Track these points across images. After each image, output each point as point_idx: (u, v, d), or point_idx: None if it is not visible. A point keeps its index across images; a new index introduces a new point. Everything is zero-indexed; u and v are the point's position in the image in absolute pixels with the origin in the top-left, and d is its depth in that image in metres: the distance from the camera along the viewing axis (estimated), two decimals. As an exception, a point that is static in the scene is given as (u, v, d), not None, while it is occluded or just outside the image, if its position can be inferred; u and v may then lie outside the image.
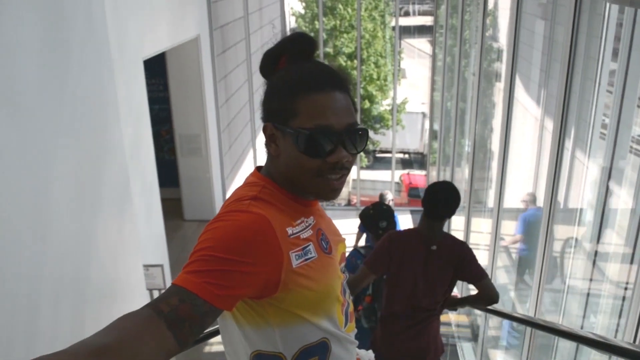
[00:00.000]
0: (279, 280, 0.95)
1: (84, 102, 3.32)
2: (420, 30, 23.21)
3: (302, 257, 0.99)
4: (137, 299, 4.34)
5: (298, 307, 1.00)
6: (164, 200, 7.01)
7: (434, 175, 9.38)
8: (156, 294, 5.07)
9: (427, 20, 21.57)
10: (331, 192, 1.03)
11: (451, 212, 2.38)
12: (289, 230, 0.99)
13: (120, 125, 3.97)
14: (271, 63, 1.06)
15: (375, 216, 3.24)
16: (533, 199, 4.35)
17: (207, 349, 5.35)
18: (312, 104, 0.97)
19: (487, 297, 2.43)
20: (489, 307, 2.63)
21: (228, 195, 1.06)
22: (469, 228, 5.19)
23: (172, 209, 7.84)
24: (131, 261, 4.18)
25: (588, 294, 3.23)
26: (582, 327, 3.12)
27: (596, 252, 3.18)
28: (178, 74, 7.01)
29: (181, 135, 7.35)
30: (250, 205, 0.96)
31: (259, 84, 9.05)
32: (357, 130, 1.00)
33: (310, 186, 1.02)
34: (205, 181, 7.59)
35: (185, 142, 7.35)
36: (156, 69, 7.48)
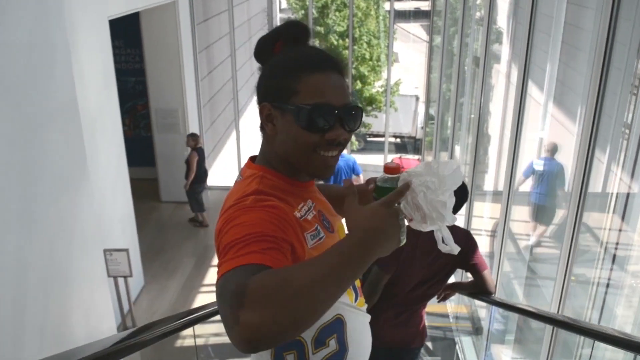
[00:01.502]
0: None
1: (25, 58, 2.79)
2: (416, 15, 22.76)
3: (315, 237, 1.04)
4: (97, 286, 3.87)
5: None
6: (140, 181, 6.52)
7: (429, 160, 8.99)
8: (121, 281, 4.61)
9: (423, 5, 21.07)
10: (326, 169, 1.06)
11: (461, 208, 2.34)
12: (297, 214, 1.02)
13: (76, 91, 3.45)
14: (267, 48, 1.10)
15: None
16: (553, 148, 4.39)
17: (178, 343, 4.90)
18: (313, 83, 1.01)
19: (482, 289, 2.47)
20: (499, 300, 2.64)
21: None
22: (470, 212, 4.95)
23: (148, 189, 7.37)
24: (88, 245, 3.69)
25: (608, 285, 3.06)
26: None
27: (617, 244, 3.00)
28: (154, 41, 6.44)
29: (157, 110, 6.78)
30: (256, 201, 0.97)
31: (243, 60, 8.41)
32: (352, 109, 1.04)
33: (305, 163, 1.04)
34: (183, 160, 7.04)
35: (161, 117, 6.78)
36: (132, 38, 6.90)
